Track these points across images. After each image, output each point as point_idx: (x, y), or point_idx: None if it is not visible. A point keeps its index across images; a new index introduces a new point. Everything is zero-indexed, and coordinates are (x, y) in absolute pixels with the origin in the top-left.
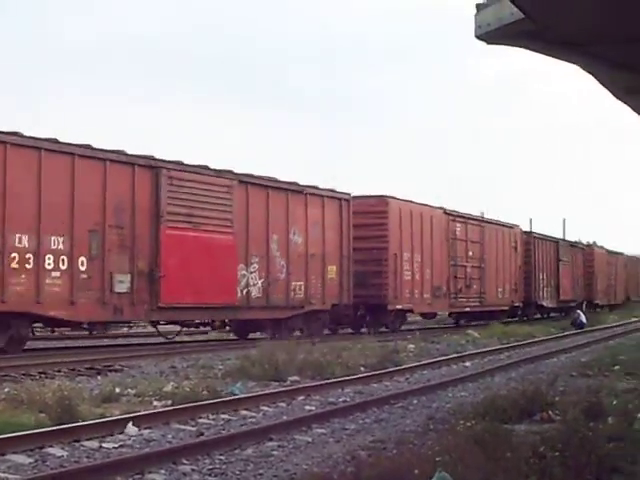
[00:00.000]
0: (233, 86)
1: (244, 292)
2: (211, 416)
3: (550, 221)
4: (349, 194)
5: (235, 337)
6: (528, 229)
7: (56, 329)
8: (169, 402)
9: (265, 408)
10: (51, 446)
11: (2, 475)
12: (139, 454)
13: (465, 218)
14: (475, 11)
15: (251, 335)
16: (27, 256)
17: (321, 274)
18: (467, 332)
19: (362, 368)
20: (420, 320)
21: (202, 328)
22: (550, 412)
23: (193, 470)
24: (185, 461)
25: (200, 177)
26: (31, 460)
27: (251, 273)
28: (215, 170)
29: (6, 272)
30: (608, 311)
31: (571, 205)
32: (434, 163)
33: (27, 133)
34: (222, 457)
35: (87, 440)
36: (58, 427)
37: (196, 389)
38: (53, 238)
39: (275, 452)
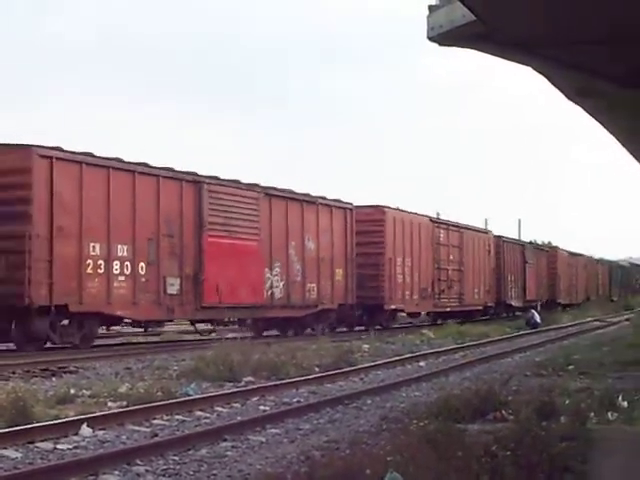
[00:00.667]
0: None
1: (269, 293)
2: (165, 417)
3: (505, 221)
4: (351, 204)
5: (197, 336)
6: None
7: None
8: (124, 403)
9: (219, 409)
10: (5, 448)
11: None
12: (93, 455)
13: (447, 225)
14: (427, 12)
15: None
16: (99, 262)
17: (330, 276)
18: (422, 332)
19: (317, 368)
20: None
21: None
22: (503, 411)
23: (147, 471)
24: (139, 462)
25: (234, 190)
26: None
27: (274, 276)
28: (246, 184)
29: (83, 277)
30: (561, 310)
31: (525, 206)
32: (392, 164)
33: (98, 153)
34: (176, 458)
35: (41, 441)
36: (12, 429)
37: (151, 390)
38: (119, 246)
39: (229, 452)
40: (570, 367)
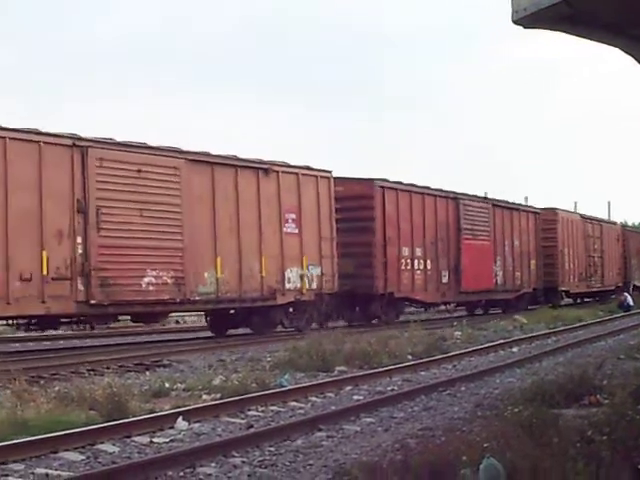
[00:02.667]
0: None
1: (494, 280)
2: (260, 408)
3: (594, 204)
4: (538, 209)
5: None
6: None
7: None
8: (218, 395)
9: (313, 399)
10: (102, 442)
11: (55, 472)
12: (190, 448)
13: (591, 220)
14: None
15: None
16: (407, 261)
17: (527, 266)
18: (515, 318)
19: (409, 356)
20: None
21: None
22: (598, 396)
23: (243, 462)
24: (235, 453)
25: (477, 203)
26: (83, 457)
27: (497, 267)
28: (481, 197)
29: (400, 272)
30: None
31: (614, 187)
32: (478, 151)
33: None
34: (272, 448)
35: (138, 436)
36: (109, 423)
37: (244, 382)
38: (417, 249)
39: (324, 442)
40: None
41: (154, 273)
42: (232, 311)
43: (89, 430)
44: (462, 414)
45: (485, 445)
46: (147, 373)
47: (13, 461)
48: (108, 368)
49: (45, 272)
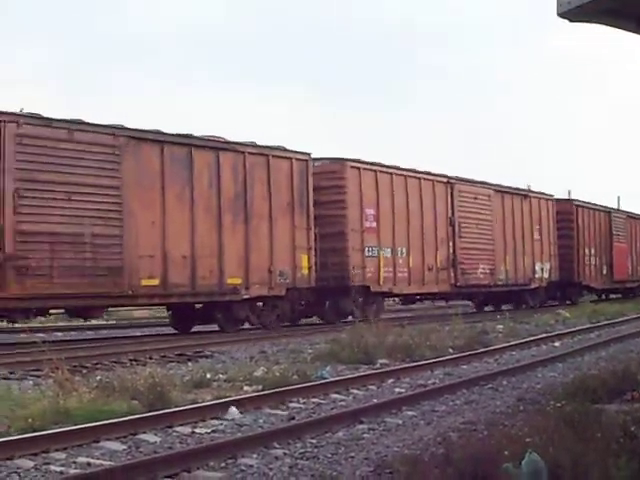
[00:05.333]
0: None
1: (630, 272)
2: (301, 400)
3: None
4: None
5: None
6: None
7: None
8: (260, 387)
9: (355, 391)
10: (144, 432)
11: (97, 462)
12: (232, 439)
13: (618, 213)
14: None
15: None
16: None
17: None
18: (557, 312)
19: (450, 350)
20: None
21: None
22: None
23: (285, 454)
24: (277, 445)
25: (620, 216)
26: (124, 446)
27: (631, 262)
28: (615, 209)
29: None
30: None
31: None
32: (518, 143)
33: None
34: (313, 441)
35: (180, 426)
36: (151, 413)
37: (286, 373)
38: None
39: (366, 435)
40: None
41: None
42: None
43: (131, 420)
44: (504, 408)
45: (527, 440)
46: (189, 363)
47: (55, 450)
48: (150, 358)
49: None
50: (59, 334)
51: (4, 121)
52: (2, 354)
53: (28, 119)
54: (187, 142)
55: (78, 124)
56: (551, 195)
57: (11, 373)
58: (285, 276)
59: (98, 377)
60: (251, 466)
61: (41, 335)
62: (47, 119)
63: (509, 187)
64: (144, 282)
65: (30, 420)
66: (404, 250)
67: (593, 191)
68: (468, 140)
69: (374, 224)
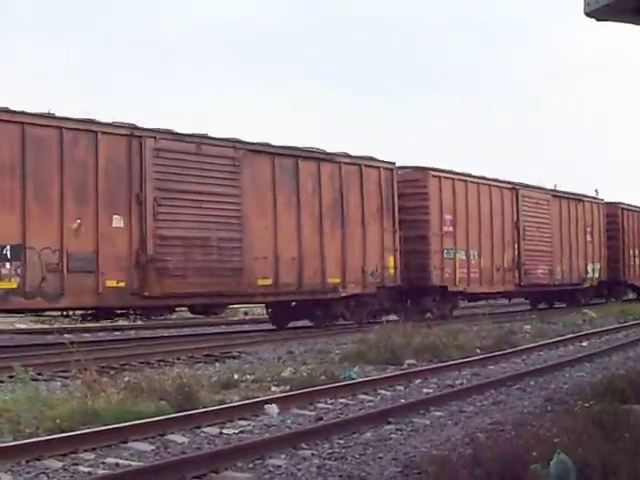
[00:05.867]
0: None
1: None
2: (329, 400)
3: None
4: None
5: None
6: None
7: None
8: (287, 387)
9: (382, 392)
10: (172, 433)
11: (125, 462)
12: (259, 440)
13: None
14: None
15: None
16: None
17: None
18: (584, 312)
19: (478, 350)
20: None
21: None
22: None
23: (313, 455)
24: (305, 446)
25: (635, 214)
26: (153, 447)
27: None
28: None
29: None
30: None
31: None
32: (550, 143)
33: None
34: (341, 441)
35: (208, 426)
36: (179, 414)
37: (314, 374)
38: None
39: (394, 435)
40: None
41: None
42: None
43: (159, 420)
44: (532, 409)
45: (556, 440)
46: (216, 364)
47: (84, 450)
48: (178, 359)
49: None
50: (87, 335)
51: (145, 136)
52: (30, 355)
53: (163, 134)
54: (293, 154)
55: (204, 138)
56: (601, 199)
57: (39, 374)
58: (375, 275)
59: (126, 378)
60: (279, 467)
61: (69, 336)
62: (178, 134)
63: (565, 192)
64: (260, 282)
65: (58, 421)
66: (476, 252)
67: (619, 190)
68: (487, 137)
69: (451, 228)
